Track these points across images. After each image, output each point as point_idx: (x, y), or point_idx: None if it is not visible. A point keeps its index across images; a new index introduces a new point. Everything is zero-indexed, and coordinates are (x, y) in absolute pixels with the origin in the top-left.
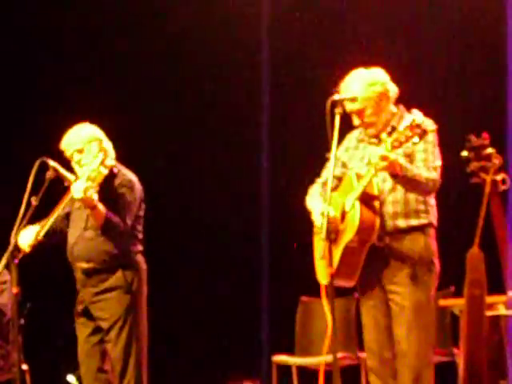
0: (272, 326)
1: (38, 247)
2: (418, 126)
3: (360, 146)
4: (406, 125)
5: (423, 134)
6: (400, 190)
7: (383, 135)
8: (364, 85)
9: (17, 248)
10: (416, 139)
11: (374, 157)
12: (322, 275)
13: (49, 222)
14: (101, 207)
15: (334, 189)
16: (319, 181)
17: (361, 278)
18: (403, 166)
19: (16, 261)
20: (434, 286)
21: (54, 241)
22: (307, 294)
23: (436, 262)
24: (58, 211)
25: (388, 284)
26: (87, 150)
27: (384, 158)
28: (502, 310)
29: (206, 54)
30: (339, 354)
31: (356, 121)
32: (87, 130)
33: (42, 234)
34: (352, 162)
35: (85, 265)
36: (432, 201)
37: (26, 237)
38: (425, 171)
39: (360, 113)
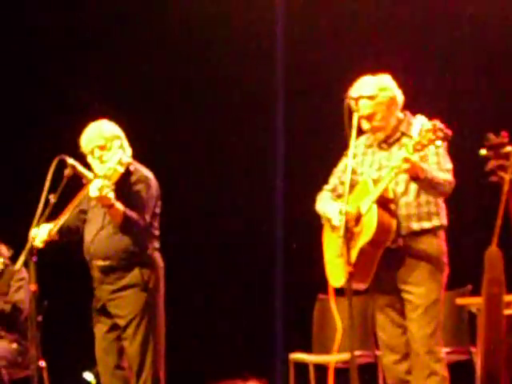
0: (288, 324)
1: (55, 245)
2: (441, 129)
3: (368, 152)
4: (429, 128)
5: (446, 136)
6: (412, 192)
7: (404, 139)
8: (375, 90)
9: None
10: (439, 142)
11: (397, 160)
12: (335, 277)
13: (62, 219)
14: (118, 205)
15: (343, 195)
16: (327, 187)
17: (375, 279)
18: (424, 168)
19: (34, 258)
20: (443, 286)
21: (71, 238)
22: (324, 292)
23: (446, 262)
24: (72, 208)
25: (402, 284)
26: (109, 147)
27: (406, 161)
28: None
29: (219, 52)
30: (356, 352)
31: (365, 125)
32: (109, 127)
33: (55, 230)
34: (361, 168)
35: (102, 262)
36: (442, 203)
37: (40, 233)
38: (441, 173)
39: (370, 117)
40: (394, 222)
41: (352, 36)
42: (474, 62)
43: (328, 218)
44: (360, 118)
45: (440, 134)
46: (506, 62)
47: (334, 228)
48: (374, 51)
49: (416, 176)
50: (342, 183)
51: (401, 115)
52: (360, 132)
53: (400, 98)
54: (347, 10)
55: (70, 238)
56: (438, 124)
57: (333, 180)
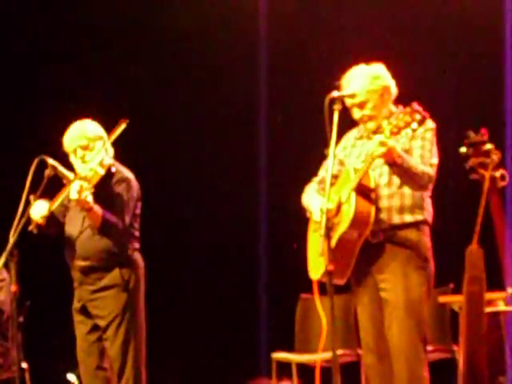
0: (271, 323)
1: (40, 234)
2: (418, 111)
3: (358, 144)
4: (406, 110)
5: (422, 120)
6: (395, 184)
7: (384, 123)
8: (369, 77)
9: (29, 220)
10: (415, 125)
11: (373, 144)
12: (315, 271)
13: (59, 198)
14: (97, 209)
15: (331, 186)
16: (316, 179)
17: (355, 275)
18: (401, 154)
19: (15, 259)
20: (427, 284)
21: (56, 231)
22: (307, 292)
23: (430, 259)
24: (65, 194)
25: (381, 282)
26: (92, 148)
27: (382, 144)
28: (501, 307)
29: (205, 53)
30: (339, 351)
31: (357, 114)
32: (93, 128)
33: (55, 206)
34: (349, 160)
35: (82, 263)
36: (427, 198)
37: (39, 209)
38: (422, 166)
39: (362, 105)
40: (372, 210)
41: (336, 31)
42: (455, 60)
43: (311, 212)
44: (352, 105)
45: (417, 117)
46: (487, 61)
47: (315, 225)
48: (359, 47)
49: (392, 161)
50: (332, 174)
51: (394, 108)
52: (350, 126)
53: (393, 89)
54: (332, 4)
55: (55, 231)
56: (415, 106)
57: (321, 172)
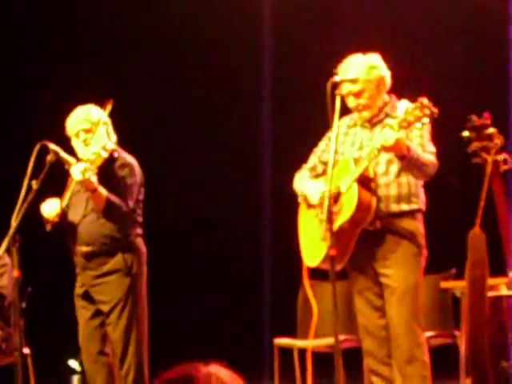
0: (273, 309)
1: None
2: (428, 106)
3: (350, 132)
4: (416, 105)
5: (432, 114)
6: (392, 173)
7: (388, 120)
8: (365, 67)
9: (44, 220)
10: (426, 120)
11: (382, 137)
12: (312, 257)
13: (68, 192)
14: (101, 190)
15: (322, 174)
16: (306, 166)
17: (352, 262)
18: (411, 147)
19: (17, 244)
20: (422, 269)
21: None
22: (309, 278)
23: (424, 245)
24: (73, 186)
25: (380, 267)
26: (94, 131)
27: (393, 138)
28: (503, 291)
29: (208, 43)
30: (341, 337)
31: (352, 102)
32: (96, 112)
33: (65, 203)
34: (342, 148)
35: (84, 248)
36: (421, 187)
37: (51, 207)
38: (426, 155)
39: (358, 94)
40: (374, 201)
41: (337, 21)
42: (459, 44)
43: (305, 195)
44: (347, 94)
45: (427, 112)
46: (490, 45)
47: (310, 206)
48: (359, 36)
49: (401, 154)
50: (322, 162)
51: (387, 98)
52: (343, 113)
53: (388, 79)
54: None
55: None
56: (425, 101)
57: (313, 159)
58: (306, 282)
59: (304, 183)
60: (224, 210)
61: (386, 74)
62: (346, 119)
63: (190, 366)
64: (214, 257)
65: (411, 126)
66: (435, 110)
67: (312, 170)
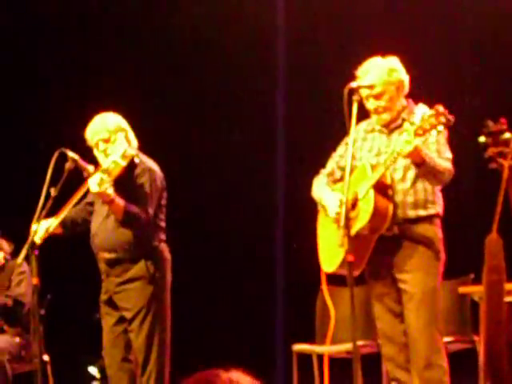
0: (288, 315)
1: (60, 238)
2: (444, 114)
3: (368, 137)
4: (432, 113)
5: (448, 122)
6: (409, 179)
7: (406, 124)
8: (386, 69)
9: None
10: (441, 127)
11: (399, 144)
12: (330, 263)
13: (62, 215)
14: (119, 201)
15: (340, 179)
16: (324, 171)
17: (370, 268)
18: (427, 153)
19: (36, 252)
20: (440, 274)
21: (77, 230)
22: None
23: (442, 250)
24: (72, 204)
25: (398, 272)
26: (113, 140)
27: (410, 145)
28: None
29: (221, 47)
30: (359, 342)
31: (372, 104)
32: (113, 120)
33: (54, 226)
34: (360, 153)
35: (107, 255)
36: (439, 192)
37: (39, 230)
38: (442, 161)
39: (379, 96)
40: (390, 208)
41: (352, 25)
42: (474, 48)
43: (324, 206)
44: (367, 96)
45: (442, 119)
46: (506, 50)
47: (331, 217)
48: (373, 40)
49: (419, 161)
50: (340, 168)
51: (404, 102)
52: (361, 118)
53: (407, 83)
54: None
55: (77, 230)
56: (441, 109)
57: (331, 164)
58: (325, 287)
59: (323, 192)
60: (239, 215)
61: (405, 77)
62: (364, 124)
63: (210, 372)
64: (229, 263)
65: (426, 133)
66: (451, 118)
67: (330, 176)
